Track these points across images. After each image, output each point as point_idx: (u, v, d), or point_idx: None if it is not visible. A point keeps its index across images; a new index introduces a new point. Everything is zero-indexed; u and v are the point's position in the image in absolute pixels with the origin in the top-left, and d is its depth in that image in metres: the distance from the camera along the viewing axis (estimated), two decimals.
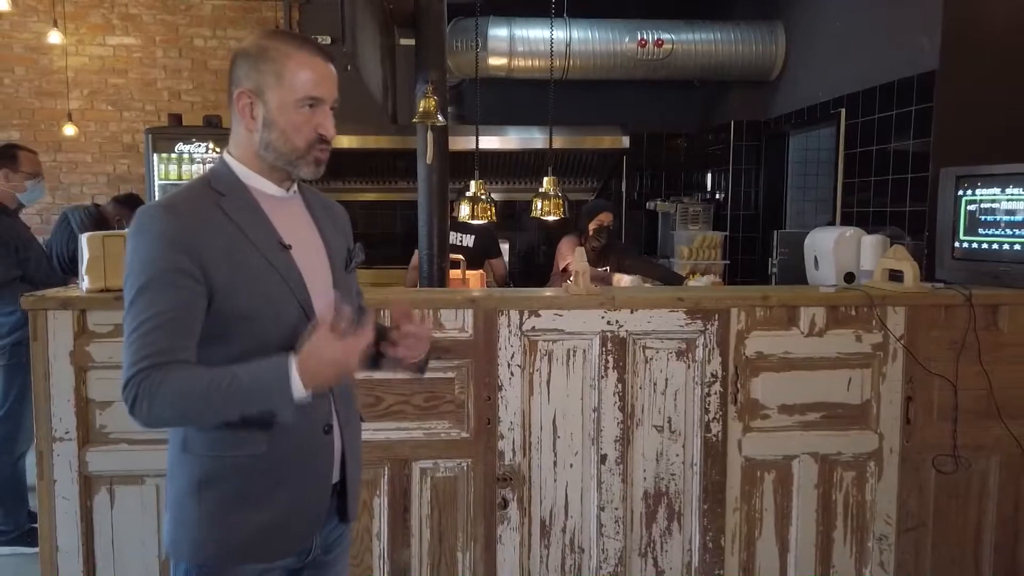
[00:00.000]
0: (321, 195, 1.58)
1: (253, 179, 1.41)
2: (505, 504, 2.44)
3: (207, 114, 6.11)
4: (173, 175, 5.72)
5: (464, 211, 3.76)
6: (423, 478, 2.41)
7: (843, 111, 4.14)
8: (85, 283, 2.27)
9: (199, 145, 5.75)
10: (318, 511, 1.43)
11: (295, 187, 1.48)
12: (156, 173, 5.73)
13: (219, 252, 1.31)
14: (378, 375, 2.32)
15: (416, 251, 3.59)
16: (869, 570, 2.56)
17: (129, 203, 4.82)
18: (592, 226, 4.13)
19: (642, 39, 5.01)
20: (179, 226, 1.29)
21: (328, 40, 4.69)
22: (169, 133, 5.79)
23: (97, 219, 4.56)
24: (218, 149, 5.66)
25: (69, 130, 6.23)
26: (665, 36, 5.03)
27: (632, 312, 2.42)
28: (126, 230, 1.36)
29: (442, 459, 2.41)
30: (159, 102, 6.51)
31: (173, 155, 5.74)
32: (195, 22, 6.52)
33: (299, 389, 1.25)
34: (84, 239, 2.28)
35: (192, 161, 5.75)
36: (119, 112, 6.52)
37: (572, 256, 4.47)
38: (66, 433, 2.24)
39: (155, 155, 5.73)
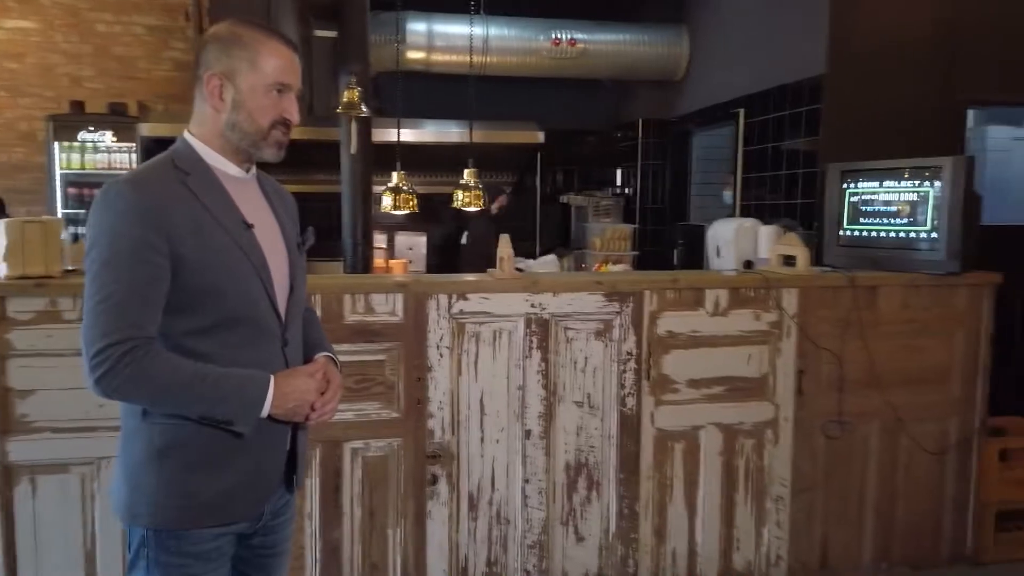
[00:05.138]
0: (273, 180, 1.64)
1: (215, 159, 1.46)
2: (435, 480, 2.54)
3: (112, 101, 5.89)
4: (76, 164, 5.50)
5: (386, 202, 3.82)
6: (354, 458, 2.49)
7: (742, 111, 4.43)
8: (4, 269, 2.24)
9: (103, 134, 5.55)
10: (273, 476, 1.51)
11: (254, 169, 1.54)
12: (58, 162, 5.50)
13: (186, 228, 1.35)
14: None
15: None
16: (767, 529, 2.80)
17: None
18: None
19: (556, 38, 5.19)
20: (147, 202, 1.33)
21: None
22: (73, 121, 5.56)
23: None
24: (120, 139, 5.48)
25: None
26: (578, 36, 5.23)
27: (554, 295, 2.57)
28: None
29: (373, 439, 2.49)
30: (59, 88, 6.21)
31: (76, 143, 5.52)
32: (98, 6, 6.26)
33: (266, 409, 1.39)
34: (2, 224, 2.24)
35: (96, 150, 5.53)
36: (14, 99, 6.20)
37: None
38: None
39: (56, 144, 5.50)
